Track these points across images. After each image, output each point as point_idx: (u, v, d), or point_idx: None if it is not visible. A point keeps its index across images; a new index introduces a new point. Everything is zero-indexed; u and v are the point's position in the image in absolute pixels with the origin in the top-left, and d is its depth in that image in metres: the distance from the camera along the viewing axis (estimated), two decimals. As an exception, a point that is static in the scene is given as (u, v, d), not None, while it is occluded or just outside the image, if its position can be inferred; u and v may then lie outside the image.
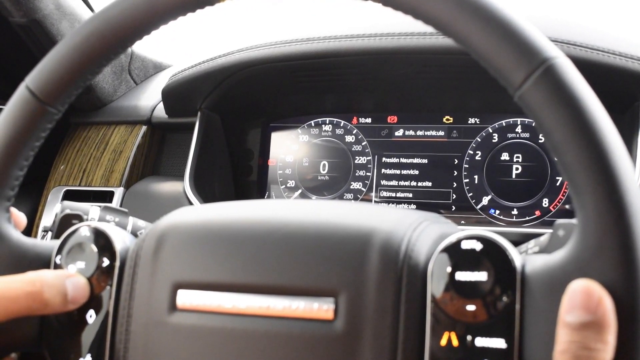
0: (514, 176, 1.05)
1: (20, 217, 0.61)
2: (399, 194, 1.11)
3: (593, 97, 0.43)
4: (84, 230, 0.58)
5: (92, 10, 1.26)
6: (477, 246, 0.47)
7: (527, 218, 1.03)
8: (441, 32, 0.47)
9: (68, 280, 0.55)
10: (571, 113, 0.42)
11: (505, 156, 1.06)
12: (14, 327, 0.56)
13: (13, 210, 0.58)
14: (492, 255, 0.47)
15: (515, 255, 0.47)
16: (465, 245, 0.48)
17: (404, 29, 0.97)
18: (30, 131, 0.55)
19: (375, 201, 1.12)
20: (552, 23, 0.97)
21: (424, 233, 0.51)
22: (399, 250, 0.49)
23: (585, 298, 0.41)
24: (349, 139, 1.15)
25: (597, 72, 0.90)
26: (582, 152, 0.41)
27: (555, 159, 0.43)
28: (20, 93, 0.55)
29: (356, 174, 1.14)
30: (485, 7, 0.45)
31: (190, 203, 1.07)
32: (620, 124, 0.95)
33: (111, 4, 0.55)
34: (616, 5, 1.16)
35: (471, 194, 1.06)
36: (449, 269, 0.47)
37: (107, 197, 1.16)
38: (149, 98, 1.27)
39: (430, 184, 1.09)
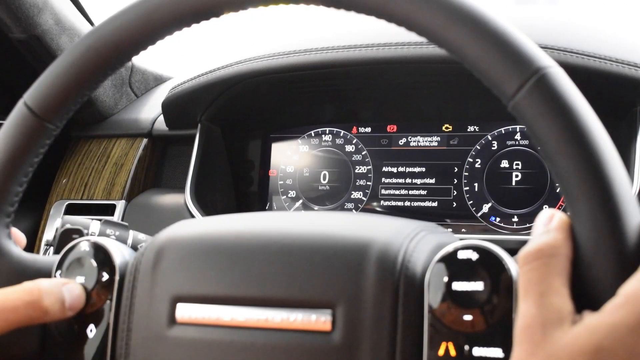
0: (513, 183, 1.05)
1: (20, 237, 0.61)
2: (400, 203, 1.11)
3: (586, 106, 0.43)
4: (83, 245, 0.58)
5: (92, 24, 1.27)
6: (473, 256, 0.47)
7: (527, 225, 1.03)
8: (434, 43, 0.47)
9: (64, 287, 0.55)
10: (563, 123, 0.42)
11: (504, 163, 1.06)
12: (15, 342, 0.56)
13: (13, 229, 0.59)
14: (488, 265, 0.47)
15: (512, 264, 0.47)
16: (462, 255, 0.48)
17: (402, 38, 0.98)
18: (29, 148, 0.55)
19: (376, 210, 1.12)
20: (547, 29, 0.97)
21: (421, 243, 0.51)
22: (395, 261, 0.49)
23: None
24: (349, 148, 1.16)
25: (594, 79, 0.90)
26: (575, 161, 0.41)
27: (549, 168, 0.44)
28: (18, 110, 0.56)
29: (357, 184, 1.14)
30: (478, 17, 0.45)
31: (192, 215, 1.07)
32: (619, 130, 0.96)
33: (108, 19, 0.55)
34: (612, 8, 1.17)
35: (471, 201, 1.06)
36: (445, 279, 0.48)
37: (109, 210, 1.17)
38: (150, 111, 1.27)
39: (430, 192, 1.09)
